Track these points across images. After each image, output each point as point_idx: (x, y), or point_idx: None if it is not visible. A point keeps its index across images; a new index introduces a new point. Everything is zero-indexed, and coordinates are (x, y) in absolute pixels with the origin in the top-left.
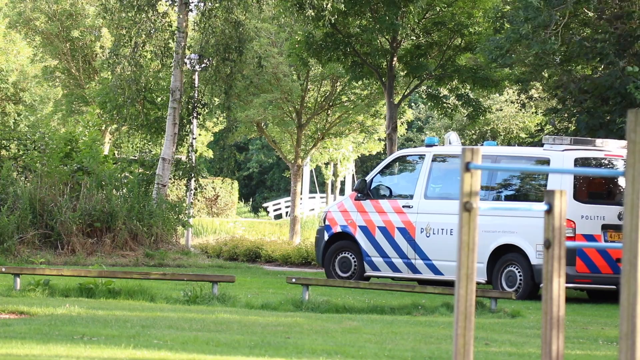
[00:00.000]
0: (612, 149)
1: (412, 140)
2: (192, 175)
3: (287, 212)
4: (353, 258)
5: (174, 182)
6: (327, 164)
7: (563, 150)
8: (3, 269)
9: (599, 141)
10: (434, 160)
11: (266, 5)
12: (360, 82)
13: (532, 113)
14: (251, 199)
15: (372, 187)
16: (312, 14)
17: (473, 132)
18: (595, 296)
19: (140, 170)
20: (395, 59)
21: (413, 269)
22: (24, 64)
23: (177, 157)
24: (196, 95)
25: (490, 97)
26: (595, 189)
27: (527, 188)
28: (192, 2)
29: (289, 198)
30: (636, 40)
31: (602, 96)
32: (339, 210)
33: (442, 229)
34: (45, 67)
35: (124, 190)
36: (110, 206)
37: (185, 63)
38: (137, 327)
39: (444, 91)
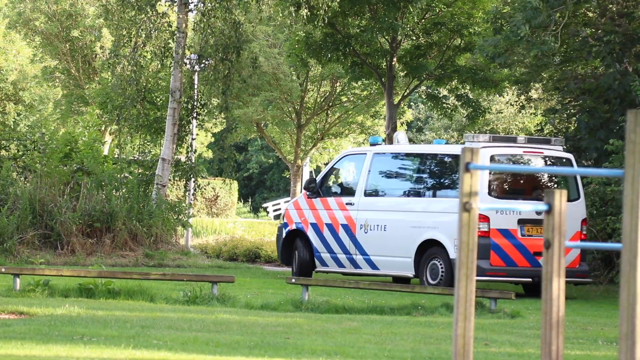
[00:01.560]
0: (533, 146)
1: (412, 140)
2: (192, 175)
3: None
4: (304, 254)
5: (173, 182)
6: (326, 164)
7: (483, 147)
8: (3, 269)
9: (520, 138)
10: (373, 158)
11: (265, 6)
12: (359, 83)
13: (532, 114)
14: (251, 199)
15: (322, 185)
16: (307, 13)
17: (473, 132)
18: (532, 290)
19: (140, 171)
20: (394, 59)
21: (354, 264)
22: (23, 64)
23: (177, 157)
24: (196, 95)
25: (489, 100)
26: (511, 184)
27: (441, 184)
28: (192, 2)
29: (288, 198)
30: (639, 41)
31: (602, 96)
32: (294, 208)
33: (378, 225)
34: (45, 67)
35: (124, 191)
36: (110, 206)
37: (185, 63)
38: (137, 328)
39: (443, 91)
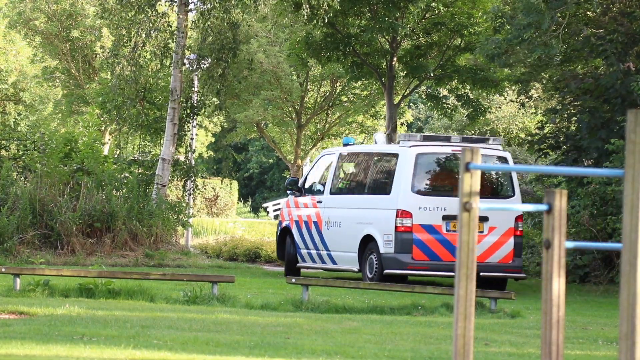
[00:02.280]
0: (464, 145)
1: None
2: (191, 175)
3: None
4: (293, 251)
5: (172, 182)
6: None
7: (410, 147)
8: (3, 269)
9: (454, 137)
10: (341, 158)
11: (262, 6)
12: (360, 83)
13: (532, 113)
14: (251, 199)
15: (305, 184)
16: (308, 13)
17: (473, 132)
18: (484, 283)
19: (140, 171)
20: (395, 59)
21: (322, 259)
22: (23, 64)
23: (176, 157)
24: (195, 95)
25: (489, 100)
26: (435, 182)
27: (378, 181)
28: (192, 2)
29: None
30: None
31: (603, 96)
32: (286, 207)
33: (337, 222)
34: (45, 67)
35: (124, 191)
36: (110, 206)
37: (185, 63)
38: (137, 328)
39: (443, 91)
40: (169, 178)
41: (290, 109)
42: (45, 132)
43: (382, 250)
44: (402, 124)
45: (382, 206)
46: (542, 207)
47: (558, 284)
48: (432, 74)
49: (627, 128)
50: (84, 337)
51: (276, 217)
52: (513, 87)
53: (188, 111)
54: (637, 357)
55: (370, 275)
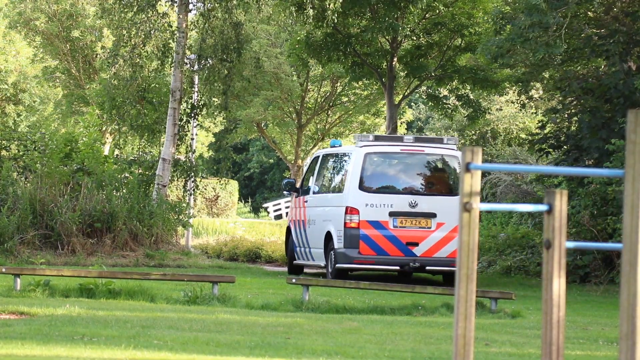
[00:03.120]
0: (415, 144)
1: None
2: (191, 175)
3: (287, 213)
4: (294, 249)
5: (172, 182)
6: None
7: (361, 147)
8: (3, 270)
9: (407, 138)
10: (323, 159)
11: (265, 6)
12: (360, 83)
13: (532, 113)
14: (251, 200)
15: (302, 184)
16: (313, 13)
17: (473, 132)
18: (448, 279)
19: (140, 171)
20: (395, 59)
21: (306, 256)
22: (23, 64)
23: (176, 157)
24: (195, 95)
25: (489, 100)
26: (383, 179)
27: (336, 179)
28: (192, 2)
29: (289, 198)
30: None
31: (604, 95)
32: (291, 207)
33: (314, 220)
34: (46, 67)
35: (124, 191)
36: (111, 206)
37: (186, 63)
38: (137, 328)
39: (444, 92)
40: (170, 178)
41: (290, 109)
42: (46, 132)
43: (335, 245)
44: (402, 124)
45: (337, 204)
46: (543, 207)
47: (558, 284)
48: (432, 74)
49: (627, 128)
50: (84, 337)
51: (276, 217)
52: (514, 88)
53: (188, 111)
54: (637, 357)
55: (330, 270)
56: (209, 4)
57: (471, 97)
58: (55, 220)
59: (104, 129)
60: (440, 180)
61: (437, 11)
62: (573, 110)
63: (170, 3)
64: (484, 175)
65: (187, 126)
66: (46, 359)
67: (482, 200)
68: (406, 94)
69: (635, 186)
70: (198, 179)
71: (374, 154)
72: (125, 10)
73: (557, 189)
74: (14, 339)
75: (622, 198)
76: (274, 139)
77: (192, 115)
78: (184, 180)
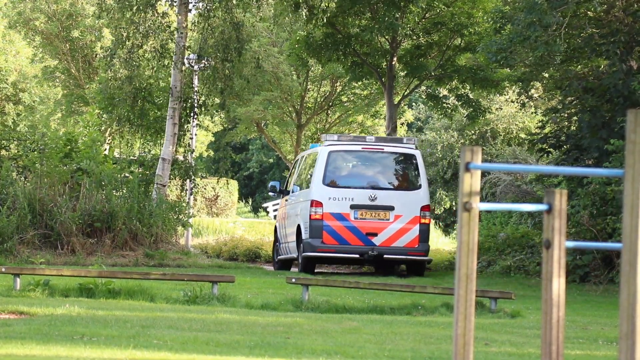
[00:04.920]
0: (376, 144)
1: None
2: (190, 175)
3: None
4: (279, 246)
5: (171, 181)
6: None
7: (326, 146)
8: (3, 269)
9: (369, 138)
10: (301, 161)
11: (265, 5)
12: (360, 82)
13: (532, 113)
14: (251, 199)
15: (286, 186)
16: (306, 13)
17: (473, 132)
18: (410, 269)
19: (140, 170)
20: (395, 59)
21: (287, 250)
22: (23, 64)
23: (176, 157)
24: (195, 95)
25: (489, 99)
26: (345, 175)
27: (307, 178)
28: (192, 2)
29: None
30: None
31: (604, 95)
32: (279, 206)
33: (289, 216)
34: (45, 67)
35: (124, 191)
36: (110, 206)
37: (185, 63)
38: (137, 327)
39: (443, 91)
40: (169, 178)
41: (290, 108)
42: (45, 132)
43: (303, 236)
44: (402, 124)
45: (305, 198)
46: (542, 207)
47: (558, 284)
48: (432, 74)
49: (627, 128)
50: (84, 337)
51: (276, 217)
52: (513, 87)
53: (188, 111)
54: (637, 357)
55: (300, 260)
56: (209, 4)
57: (471, 96)
58: (55, 220)
59: (103, 128)
60: (399, 176)
61: (437, 11)
62: (573, 110)
63: (169, 3)
64: (483, 175)
65: (187, 126)
66: (46, 358)
67: (482, 199)
68: (406, 93)
69: (635, 186)
70: (198, 179)
71: (337, 152)
72: (124, 9)
73: (556, 189)
74: (13, 339)
75: (621, 198)
76: (273, 138)
77: (192, 115)
78: (181, 180)
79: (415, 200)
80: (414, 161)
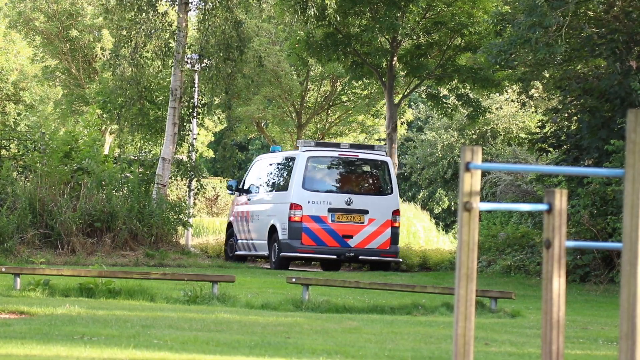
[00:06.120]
0: (351, 150)
1: (412, 139)
2: (193, 175)
3: None
4: (236, 242)
5: (172, 181)
6: None
7: (304, 151)
8: (3, 269)
9: (343, 144)
10: (264, 163)
11: (266, 4)
12: (360, 82)
13: (532, 112)
14: None
15: (244, 186)
16: (315, 12)
17: (473, 132)
18: (374, 267)
19: (140, 170)
20: (395, 58)
21: (249, 247)
22: (24, 63)
23: (178, 157)
24: (196, 95)
25: (490, 97)
26: (323, 180)
27: (280, 180)
28: (192, 2)
29: None
30: None
31: (603, 95)
32: (232, 205)
33: (256, 215)
34: (45, 67)
35: (124, 190)
36: (111, 206)
37: (186, 62)
38: (137, 327)
39: (444, 91)
40: (170, 178)
41: (290, 108)
42: (46, 131)
43: (280, 237)
44: (402, 124)
45: (282, 201)
46: (543, 206)
47: (558, 284)
48: (432, 74)
49: (627, 128)
50: (84, 337)
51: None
52: (514, 87)
53: (190, 110)
54: (637, 356)
55: (273, 260)
56: (209, 3)
57: (471, 96)
58: (55, 220)
59: (103, 128)
60: (372, 182)
61: (437, 10)
62: (573, 110)
63: (170, 3)
64: (483, 174)
65: (188, 126)
66: (46, 358)
67: (482, 199)
68: (406, 93)
69: (635, 186)
70: (201, 179)
71: (316, 158)
72: (126, 10)
73: (557, 189)
74: (13, 339)
75: (622, 198)
76: (273, 138)
77: (193, 114)
78: (187, 180)
79: (387, 204)
80: (386, 168)
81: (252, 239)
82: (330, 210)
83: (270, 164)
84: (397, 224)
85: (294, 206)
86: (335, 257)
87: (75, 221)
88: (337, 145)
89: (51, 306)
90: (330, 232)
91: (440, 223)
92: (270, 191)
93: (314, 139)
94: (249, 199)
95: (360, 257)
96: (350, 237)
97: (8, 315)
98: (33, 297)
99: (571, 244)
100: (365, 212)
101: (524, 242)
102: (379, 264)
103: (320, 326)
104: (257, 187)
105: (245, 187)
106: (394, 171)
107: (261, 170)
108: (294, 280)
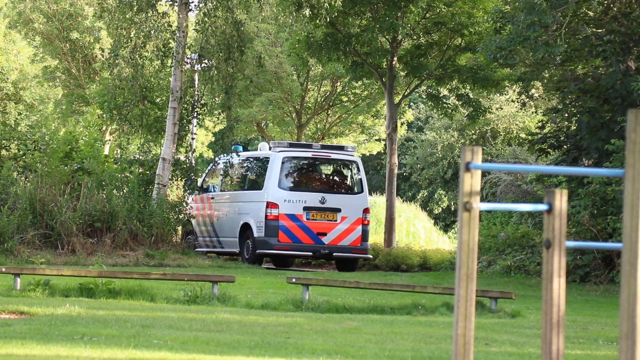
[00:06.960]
0: (323, 151)
1: (412, 140)
2: (191, 175)
3: None
4: (195, 239)
5: (172, 181)
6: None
7: (279, 152)
8: (3, 269)
9: (315, 145)
10: (229, 162)
11: (266, 5)
12: (360, 82)
13: (532, 113)
14: None
15: (203, 185)
16: (309, 12)
17: (473, 132)
18: (341, 265)
19: (140, 170)
20: (395, 59)
21: (214, 244)
22: (24, 63)
23: (177, 157)
24: (196, 95)
25: (490, 98)
26: (298, 179)
27: (254, 180)
28: (192, 2)
29: None
30: None
31: (603, 96)
32: (194, 203)
33: (223, 214)
34: (46, 67)
35: (124, 190)
36: (111, 206)
37: (186, 63)
38: (137, 327)
39: (444, 91)
40: (170, 178)
41: (290, 108)
42: (46, 131)
43: (255, 234)
44: (402, 124)
45: (256, 199)
46: (543, 207)
47: (558, 284)
48: (432, 74)
49: (627, 128)
50: (84, 337)
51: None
52: (514, 87)
53: (190, 109)
54: (637, 356)
55: (247, 256)
56: (210, 3)
57: (471, 96)
58: (56, 220)
59: (104, 128)
60: (343, 181)
61: (437, 11)
62: (573, 111)
63: (170, 3)
64: (484, 174)
65: (188, 126)
66: (46, 358)
67: (482, 199)
68: (406, 93)
69: (635, 186)
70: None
71: (291, 158)
72: (125, 10)
73: (557, 189)
74: (13, 339)
75: (622, 198)
76: (273, 138)
77: (193, 114)
78: (184, 180)
79: (358, 203)
80: (356, 167)
81: (217, 237)
82: (305, 208)
83: (238, 164)
84: (367, 222)
85: (270, 205)
86: (311, 254)
87: (75, 221)
88: (310, 145)
89: (51, 306)
90: (305, 230)
91: (440, 223)
92: (240, 190)
93: (287, 140)
94: (212, 198)
95: (334, 254)
96: (325, 234)
97: (8, 315)
98: (33, 297)
99: (571, 244)
100: (338, 210)
101: (524, 242)
102: (347, 261)
103: (320, 326)
104: (218, 186)
105: (206, 186)
106: (363, 170)
107: (225, 169)
108: (294, 280)
